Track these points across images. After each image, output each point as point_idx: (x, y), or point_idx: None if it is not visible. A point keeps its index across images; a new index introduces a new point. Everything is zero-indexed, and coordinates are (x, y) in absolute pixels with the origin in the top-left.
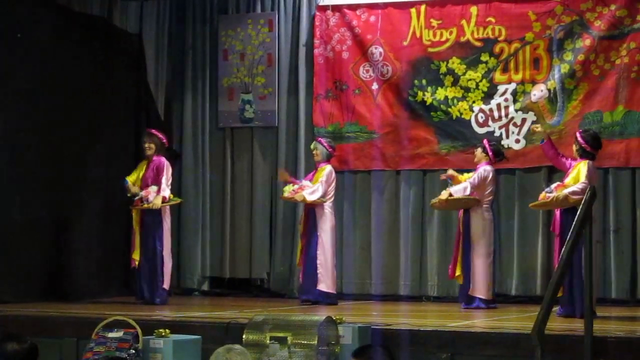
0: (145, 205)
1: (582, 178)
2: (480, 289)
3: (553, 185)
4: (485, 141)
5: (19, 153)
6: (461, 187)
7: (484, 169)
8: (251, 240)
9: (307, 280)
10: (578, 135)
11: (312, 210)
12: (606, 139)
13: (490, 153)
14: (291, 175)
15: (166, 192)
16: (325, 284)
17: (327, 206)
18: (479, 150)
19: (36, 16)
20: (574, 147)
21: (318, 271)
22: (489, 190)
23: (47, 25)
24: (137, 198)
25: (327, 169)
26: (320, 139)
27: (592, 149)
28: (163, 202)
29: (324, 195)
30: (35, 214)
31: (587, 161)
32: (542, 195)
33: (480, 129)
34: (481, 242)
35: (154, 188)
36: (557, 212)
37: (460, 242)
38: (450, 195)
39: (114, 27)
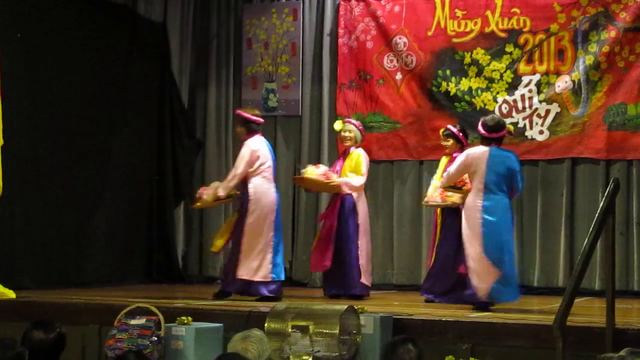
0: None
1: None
2: None
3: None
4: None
5: (41, 139)
6: None
7: None
8: None
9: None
10: (479, 125)
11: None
12: (630, 132)
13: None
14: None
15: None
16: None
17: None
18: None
19: (60, 4)
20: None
21: None
22: None
23: (72, 13)
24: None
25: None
26: (350, 120)
27: (491, 133)
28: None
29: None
30: (56, 200)
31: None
32: None
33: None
34: None
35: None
36: None
37: None
38: None
39: (139, 15)
